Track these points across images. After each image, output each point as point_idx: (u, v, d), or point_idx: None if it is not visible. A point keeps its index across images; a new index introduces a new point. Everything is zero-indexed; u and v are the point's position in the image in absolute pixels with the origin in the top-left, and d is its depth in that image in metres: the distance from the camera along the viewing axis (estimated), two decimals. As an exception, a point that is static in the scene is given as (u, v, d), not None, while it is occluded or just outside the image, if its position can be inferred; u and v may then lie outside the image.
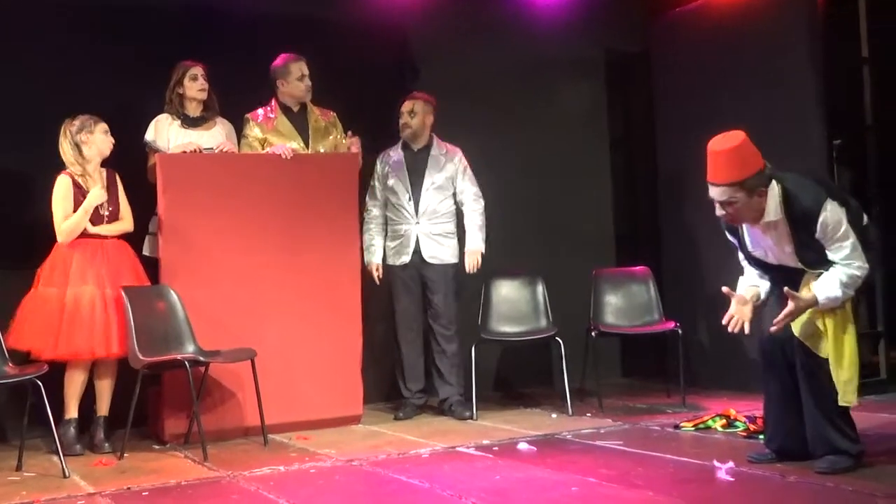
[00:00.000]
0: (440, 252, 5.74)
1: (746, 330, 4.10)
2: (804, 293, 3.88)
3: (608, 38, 7.13)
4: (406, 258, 5.73)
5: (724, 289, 4.13)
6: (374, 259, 5.76)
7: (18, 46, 5.42)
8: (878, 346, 5.98)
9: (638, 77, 7.04)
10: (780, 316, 3.87)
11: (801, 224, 3.87)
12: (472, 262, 5.74)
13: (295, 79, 5.59)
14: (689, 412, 5.44)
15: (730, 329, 4.11)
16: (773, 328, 3.91)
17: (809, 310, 3.90)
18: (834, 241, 3.85)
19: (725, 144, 3.86)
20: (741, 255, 4.21)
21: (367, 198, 5.83)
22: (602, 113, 7.23)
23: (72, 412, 4.99)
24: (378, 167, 5.84)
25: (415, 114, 5.75)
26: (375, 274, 5.74)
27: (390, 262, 5.78)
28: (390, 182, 5.77)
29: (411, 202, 5.73)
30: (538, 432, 5.09)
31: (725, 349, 6.04)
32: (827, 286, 3.84)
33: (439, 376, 5.77)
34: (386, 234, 5.81)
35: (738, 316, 4.10)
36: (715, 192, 3.90)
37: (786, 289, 3.87)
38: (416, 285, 5.76)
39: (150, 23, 5.69)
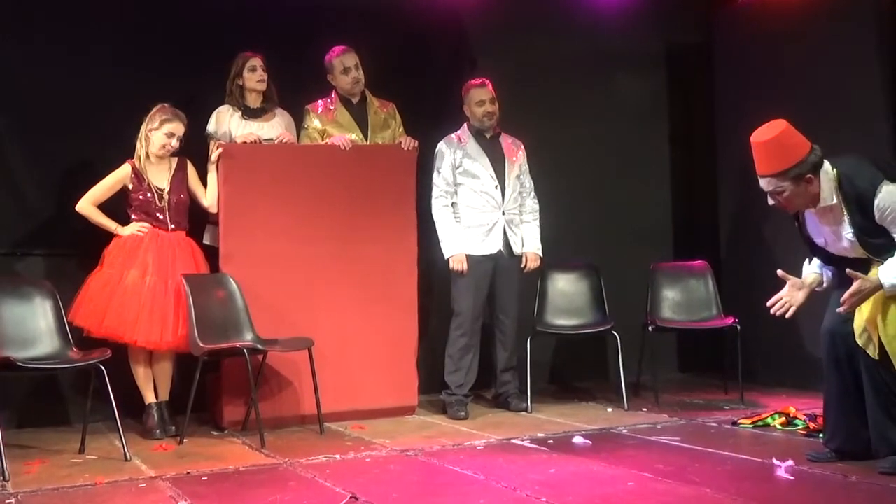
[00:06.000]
0: (517, 242, 5.66)
1: (789, 314, 3.97)
2: (870, 276, 3.77)
3: (670, 30, 7.06)
4: (492, 248, 5.55)
5: (780, 272, 4.02)
6: (462, 249, 5.49)
7: (81, 39, 5.51)
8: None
9: (700, 70, 6.95)
10: (846, 295, 3.76)
11: (857, 207, 3.78)
12: (533, 265, 5.69)
13: (339, 73, 5.60)
14: (748, 409, 5.38)
15: (773, 311, 3.99)
16: (839, 308, 3.80)
17: (867, 315, 3.82)
18: (894, 223, 3.76)
19: (765, 135, 3.81)
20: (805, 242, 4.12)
21: (437, 183, 5.57)
22: (663, 105, 7.16)
23: (150, 398, 5.12)
24: (446, 152, 5.59)
25: (495, 100, 5.64)
26: (460, 266, 5.47)
27: (467, 251, 5.52)
28: (470, 167, 5.56)
29: (498, 189, 5.59)
30: (593, 426, 5.07)
31: (785, 346, 5.96)
32: (891, 270, 3.73)
33: (500, 369, 5.72)
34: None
35: (787, 299, 3.99)
36: (762, 183, 3.87)
37: (848, 270, 3.77)
38: (488, 277, 5.59)
39: (211, 13, 5.73)
